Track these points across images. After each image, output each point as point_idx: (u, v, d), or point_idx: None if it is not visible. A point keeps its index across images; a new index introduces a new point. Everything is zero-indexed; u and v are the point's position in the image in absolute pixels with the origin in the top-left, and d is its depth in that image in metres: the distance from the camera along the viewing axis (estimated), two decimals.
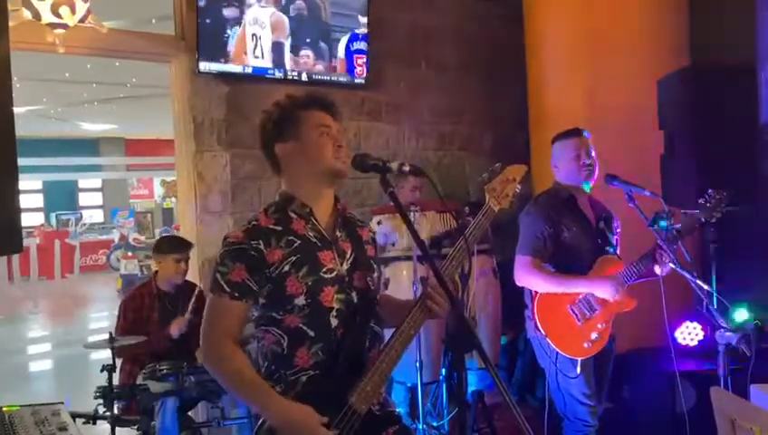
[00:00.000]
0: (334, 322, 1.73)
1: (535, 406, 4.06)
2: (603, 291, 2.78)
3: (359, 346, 1.75)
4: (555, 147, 3.01)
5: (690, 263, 2.77)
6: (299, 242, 1.75)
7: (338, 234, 1.83)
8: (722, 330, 2.53)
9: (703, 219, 2.75)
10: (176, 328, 3.41)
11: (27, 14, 3.25)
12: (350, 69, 4.38)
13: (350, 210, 1.95)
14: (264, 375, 1.76)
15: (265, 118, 1.87)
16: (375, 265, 1.90)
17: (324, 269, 1.75)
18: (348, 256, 1.82)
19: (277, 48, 4.07)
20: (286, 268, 1.72)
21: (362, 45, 4.39)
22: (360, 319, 1.76)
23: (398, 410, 1.87)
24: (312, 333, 1.72)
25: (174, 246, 3.64)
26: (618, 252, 2.99)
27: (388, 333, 1.82)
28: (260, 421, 1.73)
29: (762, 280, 3.59)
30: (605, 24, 4.11)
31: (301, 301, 1.71)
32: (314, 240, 1.78)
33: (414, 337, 1.76)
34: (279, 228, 1.76)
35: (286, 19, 4.08)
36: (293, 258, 1.73)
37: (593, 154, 2.91)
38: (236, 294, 1.71)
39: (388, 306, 1.93)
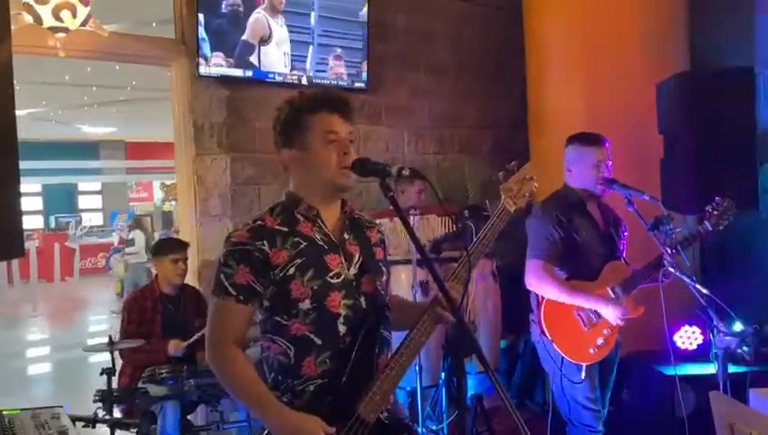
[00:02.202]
0: (342, 329, 1.69)
1: (535, 410, 4.07)
2: (607, 314, 2.76)
3: (368, 354, 1.70)
4: (572, 150, 2.94)
5: (689, 267, 2.76)
6: (305, 244, 1.71)
7: (345, 236, 1.78)
8: (721, 334, 2.53)
9: (710, 228, 2.73)
10: (174, 348, 3.43)
11: (28, 19, 3.26)
12: (350, 72, 4.40)
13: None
14: (270, 385, 1.72)
15: (276, 118, 1.80)
16: (383, 269, 1.84)
17: (331, 274, 1.71)
18: (355, 259, 1.77)
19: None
20: (291, 271, 1.68)
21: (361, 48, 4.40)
22: (369, 325, 1.72)
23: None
24: (319, 342, 1.68)
25: (170, 246, 3.68)
26: (625, 257, 2.98)
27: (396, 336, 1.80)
28: (265, 432, 1.70)
29: (761, 284, 3.60)
30: (604, 27, 4.12)
31: (306, 305, 1.67)
32: (321, 243, 1.73)
33: (424, 344, 1.72)
34: (285, 229, 1.72)
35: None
36: (299, 261, 1.68)
37: (609, 164, 2.86)
38: (242, 298, 1.68)
39: (398, 308, 1.89)
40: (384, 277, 1.83)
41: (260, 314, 1.75)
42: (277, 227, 1.72)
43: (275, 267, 1.67)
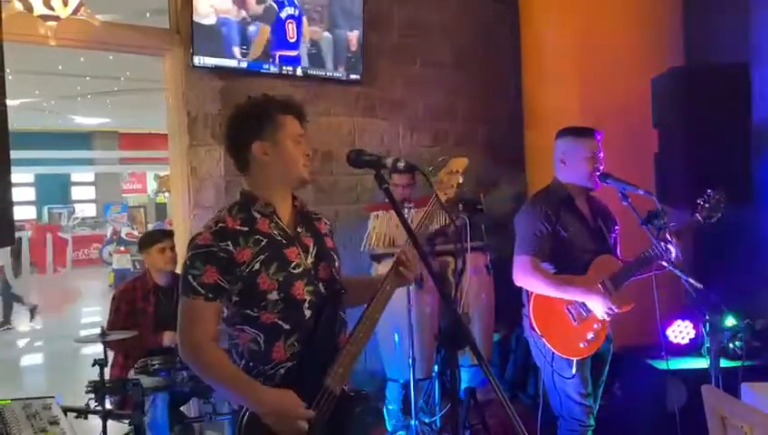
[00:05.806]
0: (307, 313, 1.83)
1: (527, 403, 4.08)
2: (594, 306, 2.75)
3: (330, 334, 1.86)
4: (564, 142, 2.92)
5: (682, 261, 2.77)
6: (265, 241, 1.83)
7: (299, 230, 1.92)
8: (713, 328, 2.54)
9: (701, 220, 2.73)
10: (168, 339, 3.43)
11: (19, 6, 3.23)
12: (345, 64, 4.38)
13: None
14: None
15: (240, 113, 1.91)
16: (336, 256, 1.99)
17: (292, 265, 1.84)
18: (311, 249, 1.91)
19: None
20: (257, 266, 1.79)
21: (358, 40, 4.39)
22: (330, 308, 1.86)
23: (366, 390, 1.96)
24: (287, 327, 1.80)
25: (155, 236, 3.73)
26: (617, 251, 2.98)
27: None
28: (242, 412, 1.78)
29: (754, 279, 3.61)
30: (600, 21, 4.12)
31: (274, 296, 1.79)
32: (279, 238, 1.86)
33: (378, 320, 1.87)
34: (245, 229, 1.82)
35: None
36: (262, 256, 1.80)
37: (601, 156, 2.86)
38: (210, 295, 1.77)
39: (352, 287, 1.99)
40: (337, 263, 1.98)
41: (227, 310, 1.84)
42: (238, 228, 1.82)
43: (241, 264, 1.78)
